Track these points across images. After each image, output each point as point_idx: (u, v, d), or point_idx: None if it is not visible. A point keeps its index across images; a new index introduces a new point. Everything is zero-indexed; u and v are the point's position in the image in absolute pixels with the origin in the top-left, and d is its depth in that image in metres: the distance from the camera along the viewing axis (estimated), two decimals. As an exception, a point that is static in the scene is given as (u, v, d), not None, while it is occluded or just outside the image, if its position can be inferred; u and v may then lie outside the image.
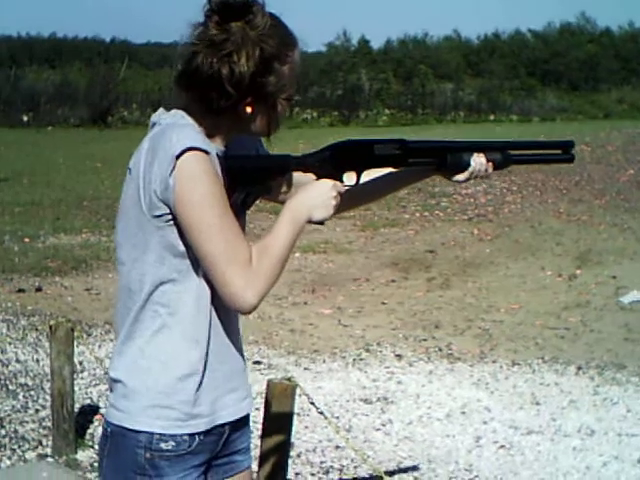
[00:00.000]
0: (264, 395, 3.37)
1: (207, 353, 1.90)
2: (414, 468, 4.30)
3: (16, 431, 4.74)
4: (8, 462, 4.36)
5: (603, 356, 6.11)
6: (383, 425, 4.86)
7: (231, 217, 1.82)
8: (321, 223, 1.94)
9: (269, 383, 3.39)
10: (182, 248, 1.84)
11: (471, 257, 9.39)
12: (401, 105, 33.84)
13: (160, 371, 1.88)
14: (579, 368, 5.85)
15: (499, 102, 35.35)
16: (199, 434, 1.91)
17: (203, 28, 1.84)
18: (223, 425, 1.98)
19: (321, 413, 3.67)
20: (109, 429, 1.93)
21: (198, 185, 1.78)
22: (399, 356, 6.14)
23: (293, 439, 4.22)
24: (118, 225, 1.91)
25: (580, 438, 4.67)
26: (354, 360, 6.06)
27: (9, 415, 4.97)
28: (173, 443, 1.88)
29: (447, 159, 2.04)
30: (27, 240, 10.28)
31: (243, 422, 2.06)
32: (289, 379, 3.48)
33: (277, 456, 3.38)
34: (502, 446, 4.58)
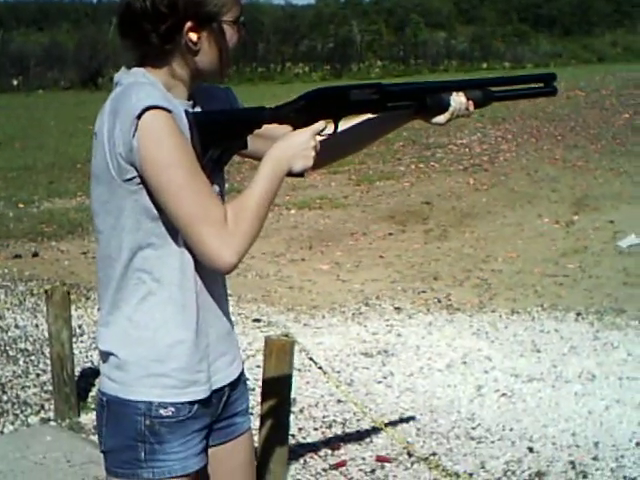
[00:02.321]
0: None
1: (197, 318, 1.87)
2: (416, 419, 4.31)
3: (18, 396, 4.74)
4: (11, 427, 4.36)
5: (602, 301, 6.11)
6: (384, 378, 4.87)
7: (201, 176, 1.77)
8: (301, 175, 1.87)
9: (267, 340, 3.38)
10: (156, 211, 1.78)
11: (468, 207, 9.36)
12: (393, 56, 33.62)
13: (151, 339, 1.84)
14: (578, 314, 5.86)
15: (491, 49, 35.13)
16: (199, 400, 1.89)
17: None
18: (222, 388, 1.96)
19: (320, 368, 3.66)
20: (105, 399, 1.89)
21: (162, 145, 1.72)
22: (398, 309, 6.14)
23: (295, 395, 4.23)
24: (92, 193, 1.85)
25: (581, 383, 4.68)
26: (353, 314, 6.06)
27: (10, 380, 4.97)
28: (173, 409, 1.86)
29: (427, 101, 1.98)
30: (21, 205, 10.24)
31: (239, 384, 2.04)
32: (287, 335, 3.46)
33: (278, 412, 3.38)
34: (503, 394, 4.59)
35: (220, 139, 1.85)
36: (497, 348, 5.28)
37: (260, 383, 3.45)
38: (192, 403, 1.88)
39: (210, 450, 2.01)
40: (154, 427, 1.85)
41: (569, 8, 42.07)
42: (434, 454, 3.93)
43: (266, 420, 3.36)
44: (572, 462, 3.82)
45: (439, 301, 6.29)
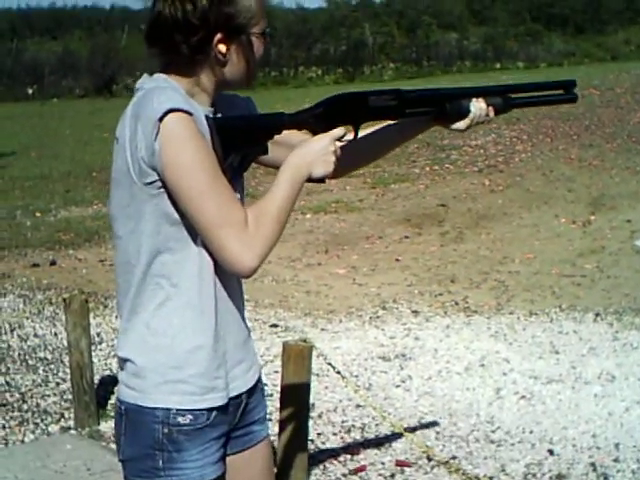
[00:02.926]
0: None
1: (215, 323, 1.87)
2: (435, 423, 4.30)
3: (38, 405, 4.76)
4: (32, 436, 4.39)
5: (621, 301, 6.08)
6: (402, 382, 4.87)
7: (222, 180, 1.77)
8: (322, 181, 1.87)
9: (285, 345, 3.38)
10: (177, 216, 1.78)
11: (483, 209, 9.34)
12: (406, 58, 33.53)
13: (169, 345, 1.84)
14: (597, 315, 5.83)
15: (505, 49, 34.99)
16: (217, 408, 1.89)
17: None
18: (239, 395, 1.96)
19: (338, 373, 3.67)
20: (123, 407, 1.89)
21: (184, 148, 1.72)
22: (415, 312, 6.13)
23: (313, 400, 4.23)
24: (112, 197, 1.86)
25: (601, 385, 4.66)
26: (370, 318, 6.05)
27: (30, 390, 4.99)
28: (191, 417, 1.85)
29: (446, 107, 1.97)
30: (39, 214, 10.29)
31: (256, 392, 2.04)
32: (305, 340, 3.47)
33: (297, 418, 3.38)
34: (523, 396, 4.57)
35: (240, 144, 1.86)
36: (515, 350, 5.26)
37: (278, 389, 3.45)
38: (210, 410, 1.87)
39: (228, 458, 2.00)
40: (172, 435, 1.84)
41: (581, 6, 41.88)
42: (454, 458, 3.92)
43: (285, 426, 3.36)
44: (593, 464, 3.80)
45: (456, 304, 6.28)
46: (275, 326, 5.91)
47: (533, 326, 5.69)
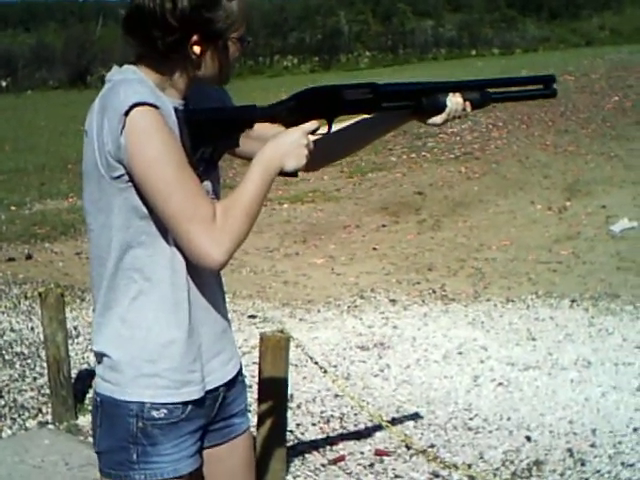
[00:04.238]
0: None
1: (189, 317, 1.86)
2: (413, 412, 4.32)
3: (15, 400, 4.74)
4: (9, 431, 4.36)
5: (597, 287, 6.12)
6: (381, 371, 4.88)
7: (189, 173, 1.76)
8: (294, 174, 1.85)
9: (262, 336, 3.39)
10: (146, 209, 1.77)
11: (460, 196, 9.36)
12: (381, 46, 33.53)
13: (143, 339, 1.83)
14: (573, 301, 5.87)
15: (480, 36, 35.03)
16: (192, 401, 1.88)
17: None
18: (217, 388, 1.95)
19: (316, 363, 3.67)
20: (99, 399, 1.90)
21: (149, 142, 1.71)
22: (393, 301, 6.15)
23: (292, 390, 4.24)
24: (84, 192, 1.85)
25: (577, 370, 4.70)
26: (349, 308, 6.06)
27: (7, 385, 4.96)
28: (165, 411, 1.85)
29: (423, 102, 1.95)
30: (14, 208, 10.22)
31: (236, 384, 2.03)
32: (282, 331, 3.47)
33: (276, 409, 3.39)
34: (500, 384, 4.60)
35: (211, 137, 1.84)
36: (493, 337, 5.29)
37: (257, 380, 3.45)
38: (185, 404, 1.87)
39: (208, 451, 2.00)
40: (146, 429, 1.84)
41: (556, -8, 42.02)
42: (432, 446, 3.94)
43: (264, 417, 3.37)
44: (570, 450, 3.83)
45: (434, 292, 6.30)
46: (253, 317, 5.90)
47: (510, 313, 5.72)
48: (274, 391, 3.39)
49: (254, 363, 4.46)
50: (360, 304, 6.13)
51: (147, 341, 1.83)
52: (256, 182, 1.80)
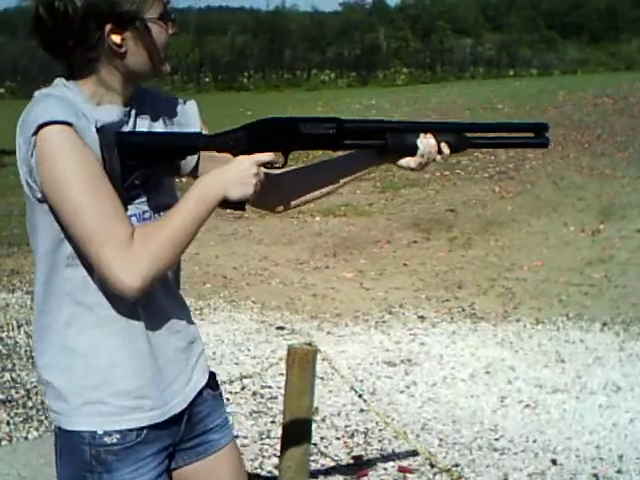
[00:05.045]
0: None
1: (134, 339, 1.77)
2: (439, 430, 4.29)
3: (43, 402, 4.77)
4: (36, 433, 4.40)
5: (628, 311, 6.06)
6: (407, 387, 4.86)
7: (105, 193, 1.64)
8: (241, 205, 1.75)
9: (289, 349, 3.38)
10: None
11: (493, 215, 9.32)
12: (419, 63, 33.50)
13: (82, 365, 1.75)
14: (604, 324, 5.81)
15: (519, 56, 34.92)
16: (148, 426, 1.80)
17: None
18: (181, 412, 1.88)
19: (342, 377, 3.66)
20: (56, 428, 1.82)
21: (56, 162, 1.62)
22: (422, 317, 6.12)
23: (317, 403, 4.23)
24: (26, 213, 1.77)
25: (606, 395, 4.65)
26: (377, 323, 6.05)
27: (35, 387, 5.00)
28: (118, 436, 1.76)
29: (387, 140, 1.84)
30: None
31: (205, 400, 1.96)
32: (309, 344, 3.47)
33: (300, 421, 3.38)
34: (527, 405, 4.56)
35: (147, 162, 1.75)
36: (521, 358, 5.25)
37: (282, 391, 3.45)
38: (141, 429, 1.79)
39: (180, 470, 1.94)
40: (100, 456, 1.76)
41: (596, 15, 41.86)
42: (456, 465, 3.91)
43: (288, 429, 3.36)
44: (596, 475, 3.79)
45: (463, 310, 6.27)
46: (281, 328, 5.91)
47: (539, 334, 5.68)
48: (299, 403, 3.39)
49: (281, 374, 4.48)
50: (388, 319, 6.12)
51: (87, 367, 1.75)
52: (188, 206, 1.70)
